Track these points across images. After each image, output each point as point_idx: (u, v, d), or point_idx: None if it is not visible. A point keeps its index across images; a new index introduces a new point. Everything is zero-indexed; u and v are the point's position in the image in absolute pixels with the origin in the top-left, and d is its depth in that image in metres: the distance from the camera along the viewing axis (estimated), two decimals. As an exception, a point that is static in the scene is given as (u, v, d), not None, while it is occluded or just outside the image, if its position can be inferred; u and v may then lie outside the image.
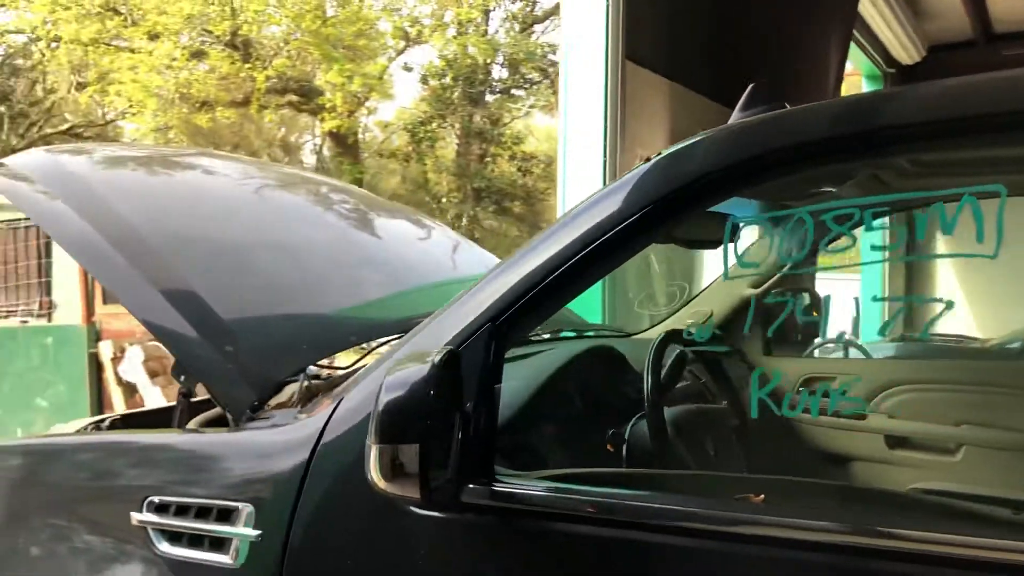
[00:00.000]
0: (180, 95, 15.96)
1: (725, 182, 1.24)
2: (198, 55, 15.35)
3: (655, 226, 1.29)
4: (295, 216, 2.28)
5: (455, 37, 19.75)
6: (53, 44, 18.03)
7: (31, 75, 24.95)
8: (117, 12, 15.99)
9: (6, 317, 7.20)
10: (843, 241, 1.14)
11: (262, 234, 2.11)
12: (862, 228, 1.17)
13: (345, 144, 19.93)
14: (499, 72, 21.70)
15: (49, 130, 31.99)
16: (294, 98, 18.08)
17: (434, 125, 21.18)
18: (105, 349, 6.74)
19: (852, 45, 7.06)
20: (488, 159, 21.55)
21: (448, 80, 20.17)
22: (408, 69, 22.21)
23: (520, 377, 1.70)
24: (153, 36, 15.36)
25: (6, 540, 1.76)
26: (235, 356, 1.66)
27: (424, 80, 21.33)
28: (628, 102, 4.04)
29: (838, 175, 1.33)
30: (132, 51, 15.63)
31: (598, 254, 1.30)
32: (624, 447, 1.60)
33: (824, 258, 1.25)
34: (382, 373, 1.21)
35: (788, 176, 1.30)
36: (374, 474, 1.14)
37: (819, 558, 1.09)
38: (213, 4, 14.25)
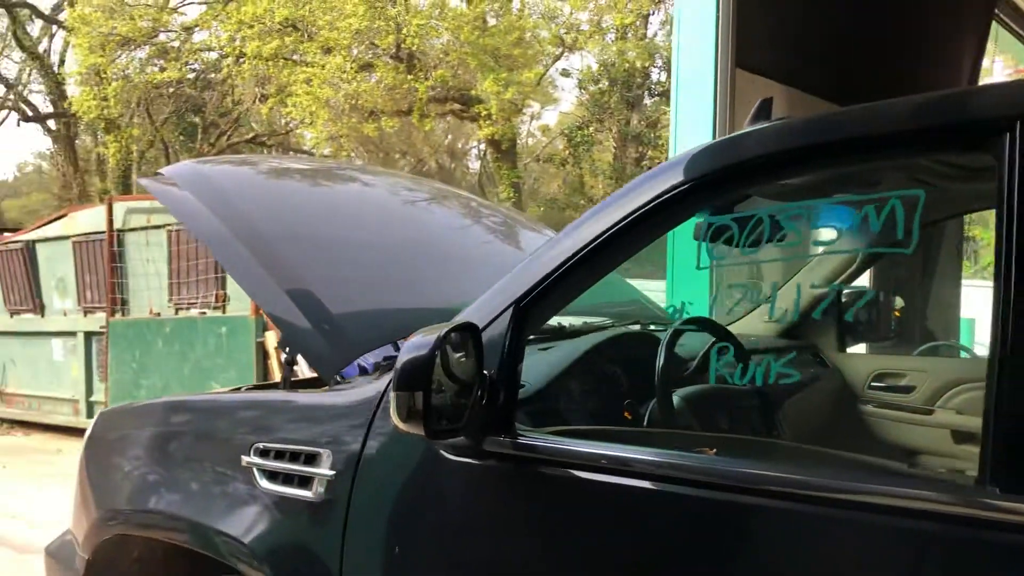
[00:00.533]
0: (350, 106, 16.99)
1: (695, 192, 1.48)
2: (366, 67, 16.30)
3: (639, 230, 1.53)
4: (396, 219, 2.63)
5: (613, 42, 19.98)
6: (239, 59, 19.52)
7: (221, 88, 27.06)
8: (296, 28, 17.19)
9: (187, 309, 8.05)
10: (791, 237, 1.34)
11: (363, 234, 2.47)
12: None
13: (502, 150, 20.50)
14: (657, 75, 21.75)
15: (236, 139, 34.44)
16: (455, 106, 18.84)
17: (591, 129, 21.52)
18: (271, 339, 7.42)
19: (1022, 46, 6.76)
20: (645, 162, 21.62)
21: (605, 85, 20.46)
22: (566, 74, 22.67)
23: (569, 351, 1.97)
24: (327, 50, 16.43)
25: (163, 471, 2.18)
26: (329, 333, 2.01)
27: (581, 85, 21.72)
28: (739, 110, 4.17)
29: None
30: (307, 65, 16.77)
31: (597, 253, 1.55)
32: (646, 415, 1.82)
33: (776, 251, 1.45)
34: (418, 343, 1.51)
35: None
36: (394, 416, 1.44)
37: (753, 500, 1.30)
38: (379, 20, 15.11)
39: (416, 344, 1.42)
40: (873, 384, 2.73)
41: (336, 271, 2.26)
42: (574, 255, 1.58)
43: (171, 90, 26.48)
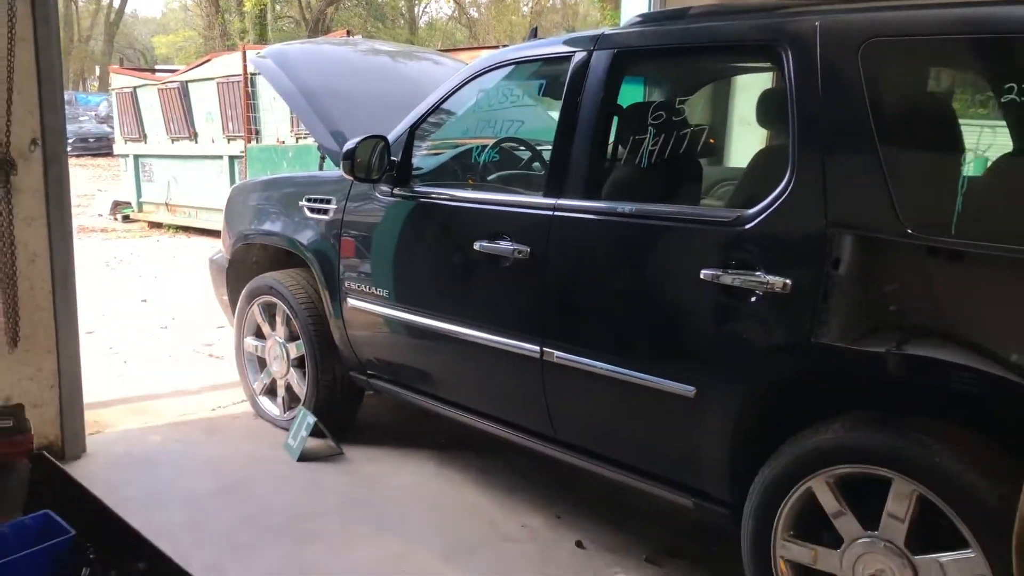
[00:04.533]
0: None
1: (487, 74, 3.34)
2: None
3: (460, 94, 3.41)
4: (400, 80, 4.55)
5: None
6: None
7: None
8: None
9: (306, 137, 10.20)
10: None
11: (377, 89, 4.40)
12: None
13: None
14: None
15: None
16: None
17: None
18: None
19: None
20: None
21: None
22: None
23: (449, 154, 3.88)
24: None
25: (265, 211, 4.27)
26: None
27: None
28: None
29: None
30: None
31: (452, 97, 3.45)
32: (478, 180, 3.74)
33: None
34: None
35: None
36: (341, 170, 3.43)
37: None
38: None
39: (350, 143, 3.40)
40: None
41: (356, 113, 4.21)
42: (436, 102, 3.50)
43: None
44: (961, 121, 2.29)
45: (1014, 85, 2.09)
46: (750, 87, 4.32)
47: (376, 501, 3.51)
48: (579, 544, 3.18)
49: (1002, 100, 2.15)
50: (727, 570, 2.93)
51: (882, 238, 2.21)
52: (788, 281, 2.34)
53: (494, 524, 3.34)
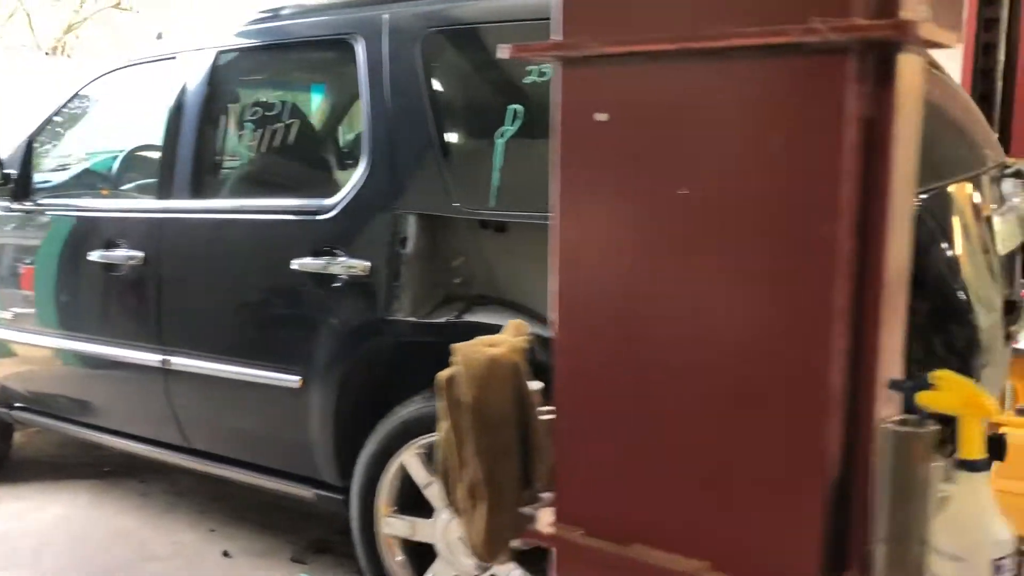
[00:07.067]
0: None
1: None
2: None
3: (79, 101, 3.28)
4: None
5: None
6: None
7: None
8: None
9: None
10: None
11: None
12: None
13: None
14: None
15: None
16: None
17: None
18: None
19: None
20: None
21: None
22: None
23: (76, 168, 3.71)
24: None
25: None
26: None
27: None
28: None
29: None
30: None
31: (71, 107, 3.30)
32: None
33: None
34: None
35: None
36: None
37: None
38: None
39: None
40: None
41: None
42: (52, 113, 3.33)
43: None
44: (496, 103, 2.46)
45: (535, 68, 2.28)
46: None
47: (12, 538, 3.26)
48: (225, 554, 3.11)
49: (524, 82, 2.32)
50: (367, 558, 2.96)
51: (438, 216, 2.33)
52: (367, 263, 2.42)
53: (144, 545, 3.20)
